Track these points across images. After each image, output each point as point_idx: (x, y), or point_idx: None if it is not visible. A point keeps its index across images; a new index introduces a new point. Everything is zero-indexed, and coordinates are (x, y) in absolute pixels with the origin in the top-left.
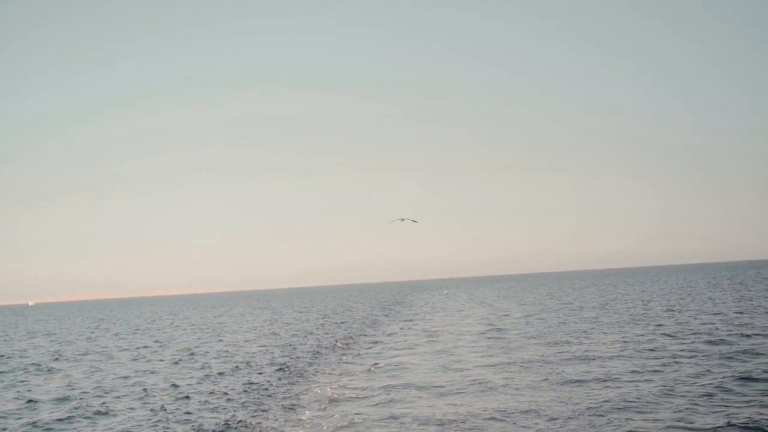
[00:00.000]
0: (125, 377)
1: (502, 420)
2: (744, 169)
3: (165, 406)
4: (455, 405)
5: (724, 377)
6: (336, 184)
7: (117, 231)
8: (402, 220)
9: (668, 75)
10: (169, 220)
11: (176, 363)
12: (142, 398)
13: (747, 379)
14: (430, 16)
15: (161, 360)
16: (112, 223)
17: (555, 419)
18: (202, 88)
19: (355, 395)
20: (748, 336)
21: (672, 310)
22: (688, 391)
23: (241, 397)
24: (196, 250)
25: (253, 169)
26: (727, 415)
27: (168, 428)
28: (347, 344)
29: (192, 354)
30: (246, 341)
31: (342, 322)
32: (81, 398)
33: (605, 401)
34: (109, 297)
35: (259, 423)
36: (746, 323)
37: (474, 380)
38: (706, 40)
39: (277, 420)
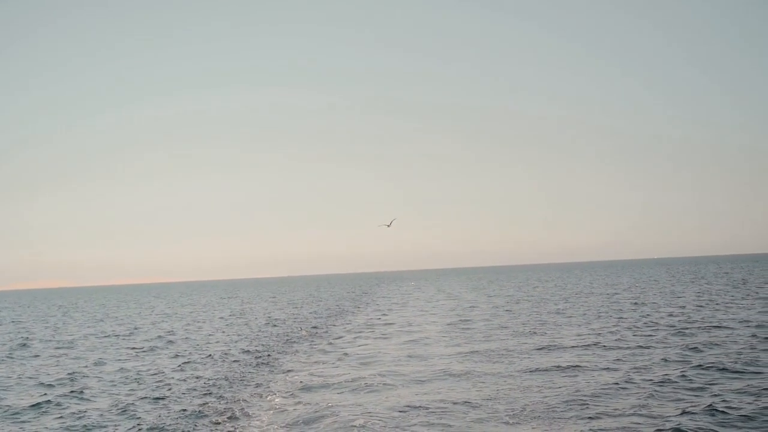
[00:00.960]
0: (96, 364)
1: (464, 405)
2: (715, 164)
3: (136, 393)
4: (420, 393)
5: (682, 367)
6: (300, 178)
7: (78, 221)
8: (388, 225)
9: (642, 67)
10: (130, 211)
11: (146, 351)
12: (113, 385)
13: (704, 368)
14: (389, 9)
15: (131, 348)
16: (72, 213)
17: (516, 406)
18: (172, 86)
19: (324, 383)
20: (706, 329)
21: (636, 303)
22: (647, 380)
23: (212, 385)
24: (160, 239)
25: (218, 164)
26: (684, 402)
27: (139, 415)
28: (317, 333)
29: (162, 342)
30: (215, 330)
31: (312, 312)
32: (52, 385)
33: (566, 390)
34: (70, 285)
35: (230, 408)
36: (705, 316)
37: (439, 369)
38: (681, 33)
39: (248, 406)
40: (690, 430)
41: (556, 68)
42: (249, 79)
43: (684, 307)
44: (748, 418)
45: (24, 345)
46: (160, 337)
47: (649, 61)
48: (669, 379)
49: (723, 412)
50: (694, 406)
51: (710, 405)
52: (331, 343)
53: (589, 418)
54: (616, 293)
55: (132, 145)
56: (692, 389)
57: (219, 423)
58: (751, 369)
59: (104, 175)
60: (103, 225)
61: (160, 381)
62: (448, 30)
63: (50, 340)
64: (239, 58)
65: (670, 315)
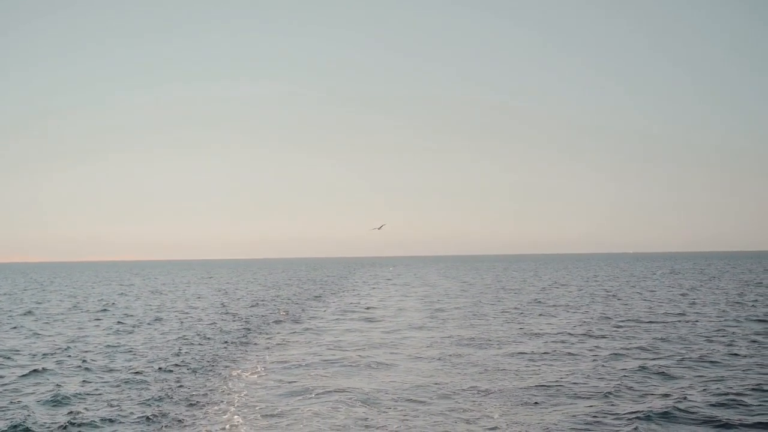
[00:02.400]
0: (77, 340)
1: (435, 386)
2: (692, 161)
3: (115, 367)
4: (393, 374)
5: (651, 357)
6: (281, 165)
7: (54, 197)
8: (379, 228)
9: (619, 63)
10: (108, 188)
11: (127, 327)
12: (94, 360)
13: (673, 359)
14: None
15: (112, 324)
16: (48, 189)
17: (485, 388)
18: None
19: (300, 362)
20: (677, 322)
21: (611, 295)
22: (616, 369)
23: (190, 360)
24: (137, 218)
25: (194, 146)
26: (652, 390)
27: (117, 389)
28: (296, 315)
29: (143, 319)
30: (195, 308)
31: (292, 294)
32: (35, 355)
33: (536, 376)
34: (47, 260)
35: (208, 384)
36: (677, 310)
37: (413, 352)
38: (657, 30)
39: (225, 382)
40: (656, 416)
41: (533, 63)
42: (223, 71)
43: (656, 300)
44: (713, 406)
45: (7, 321)
46: (142, 313)
47: (626, 57)
48: (639, 368)
49: (688, 400)
50: (662, 396)
51: (676, 395)
52: (310, 325)
53: (557, 404)
54: (591, 285)
55: (112, 129)
56: (661, 378)
57: (196, 397)
58: (717, 361)
59: (82, 154)
60: (80, 202)
61: (140, 356)
62: (415, 22)
63: (32, 314)
64: (204, 49)
65: (643, 308)
